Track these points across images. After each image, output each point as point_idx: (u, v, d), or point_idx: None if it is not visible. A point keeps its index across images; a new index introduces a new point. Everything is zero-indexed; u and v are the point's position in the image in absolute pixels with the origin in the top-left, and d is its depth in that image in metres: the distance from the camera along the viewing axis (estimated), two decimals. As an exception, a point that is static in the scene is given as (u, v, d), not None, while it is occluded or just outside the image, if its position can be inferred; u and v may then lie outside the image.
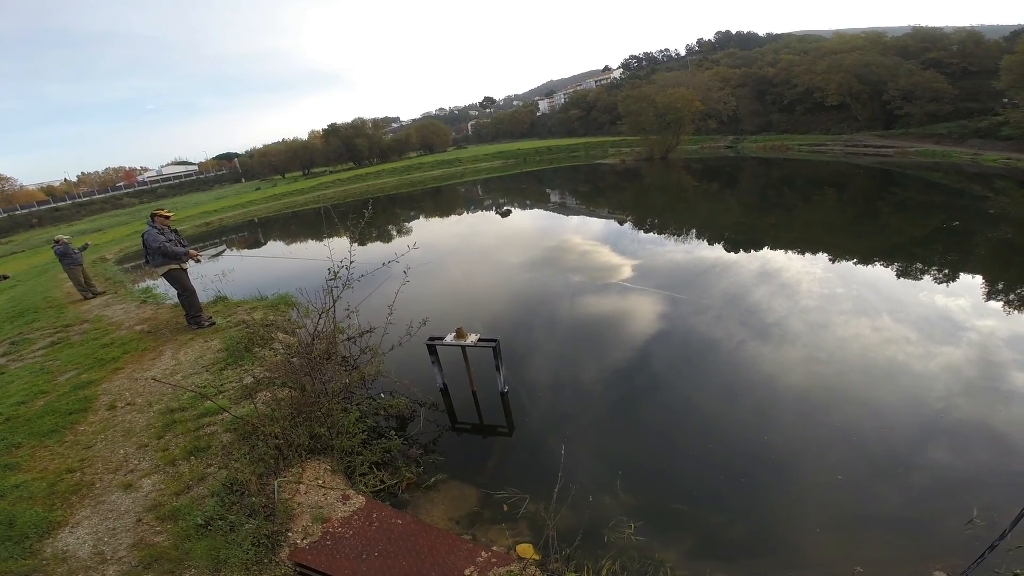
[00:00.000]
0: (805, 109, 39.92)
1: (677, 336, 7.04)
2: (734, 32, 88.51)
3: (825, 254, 10.43)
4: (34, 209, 67.28)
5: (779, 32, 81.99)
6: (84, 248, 12.88)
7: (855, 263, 9.75)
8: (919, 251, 10.72)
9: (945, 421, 4.71)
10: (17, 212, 65.66)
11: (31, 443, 5.06)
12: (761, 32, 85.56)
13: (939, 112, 30.00)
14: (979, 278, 8.42)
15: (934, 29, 36.38)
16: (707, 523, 3.78)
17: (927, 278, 8.68)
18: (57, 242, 12.08)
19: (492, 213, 23.09)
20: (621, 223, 16.51)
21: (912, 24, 38.02)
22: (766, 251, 11.19)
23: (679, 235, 13.80)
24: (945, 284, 8.28)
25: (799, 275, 9.12)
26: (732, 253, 11.24)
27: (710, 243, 12.45)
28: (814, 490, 4.03)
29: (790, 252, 10.93)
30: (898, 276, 8.89)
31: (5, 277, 20.92)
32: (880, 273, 9.09)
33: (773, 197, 20.21)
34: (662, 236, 14.00)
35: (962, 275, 8.62)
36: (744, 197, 21.06)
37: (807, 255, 10.57)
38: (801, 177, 25.26)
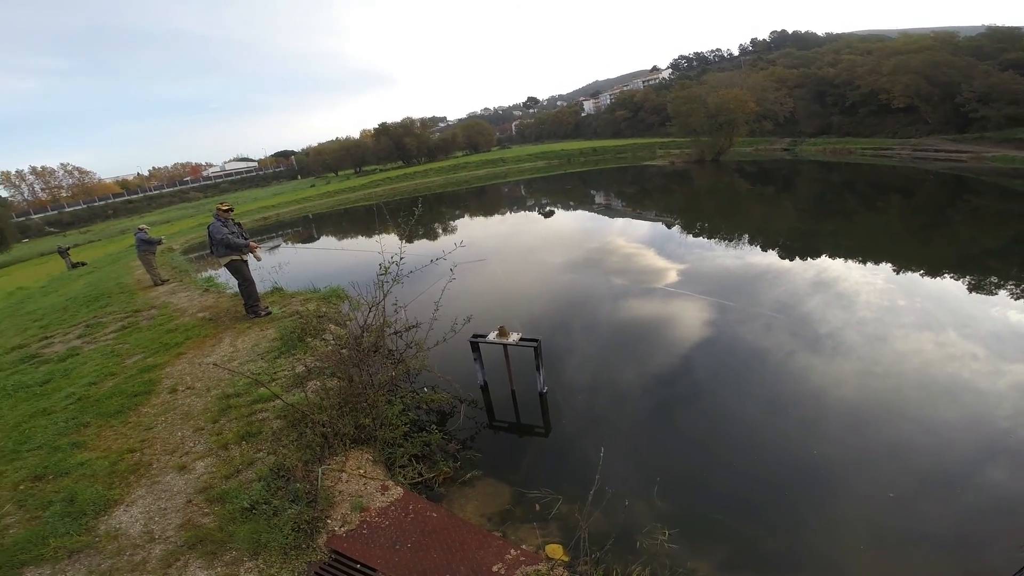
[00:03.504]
0: (869, 111, 37.89)
1: (722, 344, 6.83)
2: (791, 32, 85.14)
3: (888, 264, 9.86)
4: (110, 201, 72.57)
5: (839, 32, 78.20)
6: (159, 242, 14.01)
7: (921, 274, 9.17)
8: (994, 263, 9.96)
9: (1009, 441, 4.42)
10: (95, 204, 70.94)
11: (98, 423, 5.37)
12: (820, 32, 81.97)
13: (1020, 115, 27.74)
14: (1062, 295, 7.75)
15: (1012, 28, 33.67)
16: (744, 535, 3.69)
17: (1002, 293, 8.04)
18: (140, 230, 13.35)
19: (535, 213, 23.10)
20: (669, 226, 16.18)
21: (986, 23, 35.35)
22: (823, 259, 10.68)
23: (730, 240, 13.35)
24: (1022, 299, 7.67)
25: (858, 285, 8.66)
26: (786, 260, 10.80)
27: (763, 249, 11.99)
28: (859, 506, 3.86)
29: (849, 261, 10.38)
30: (969, 290, 8.29)
31: (84, 263, 22.66)
32: (948, 286, 8.52)
33: (833, 202, 19.23)
34: (711, 241, 13.61)
35: (1042, 291, 7.96)
36: (801, 202, 20.18)
37: (868, 265, 10.01)
38: (864, 182, 23.97)
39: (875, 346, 6.34)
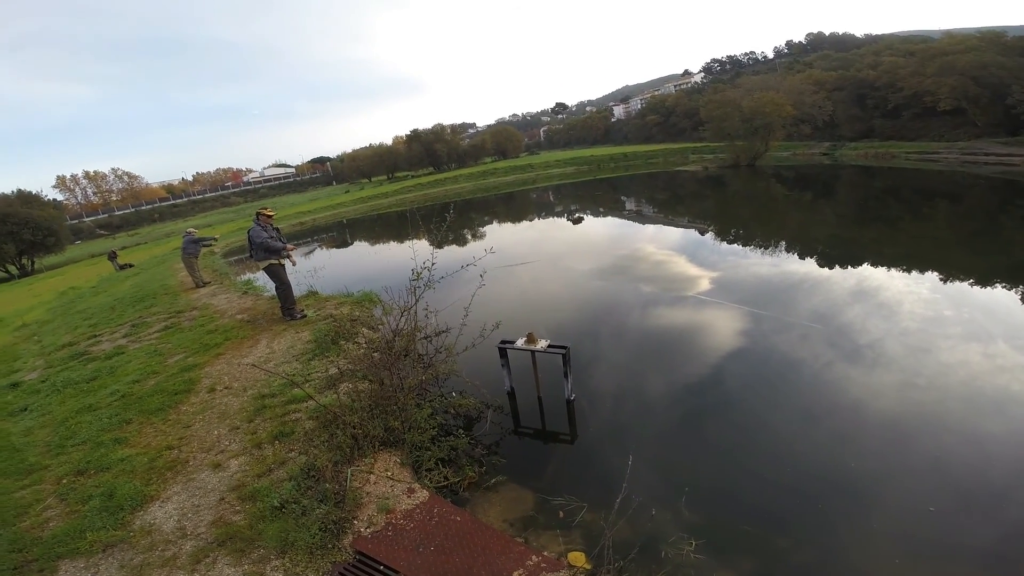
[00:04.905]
0: (913, 114, 36.35)
1: (755, 354, 6.66)
2: (827, 33, 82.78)
3: (934, 273, 9.43)
4: (156, 205, 75.92)
5: (879, 33, 75.46)
6: (208, 243, 14.53)
7: (970, 284, 8.73)
8: (1051, 273, 9.40)
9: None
10: (143, 208, 74.31)
11: (140, 420, 5.60)
12: (859, 33, 79.29)
13: (1078, 117, 26.21)
14: None
15: (1064, 27, 31.95)
16: (774, 547, 3.58)
17: (1060, 304, 7.60)
18: (188, 233, 13.88)
19: (563, 220, 23.03)
20: (701, 233, 15.88)
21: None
22: (864, 267, 10.29)
23: (765, 247, 13.02)
24: (1083, 312, 7.22)
25: (901, 295, 8.32)
26: (825, 268, 10.46)
27: (800, 257, 11.64)
28: (897, 520, 3.71)
29: (892, 270, 9.97)
30: (1022, 300, 7.86)
31: (131, 265, 23.74)
32: (999, 296, 8.08)
33: (875, 208, 18.52)
34: (746, 248, 13.28)
35: (1105, 303, 7.47)
36: (841, 208, 19.50)
37: (913, 273, 9.59)
38: (909, 187, 23.01)
39: (918, 357, 6.08)
